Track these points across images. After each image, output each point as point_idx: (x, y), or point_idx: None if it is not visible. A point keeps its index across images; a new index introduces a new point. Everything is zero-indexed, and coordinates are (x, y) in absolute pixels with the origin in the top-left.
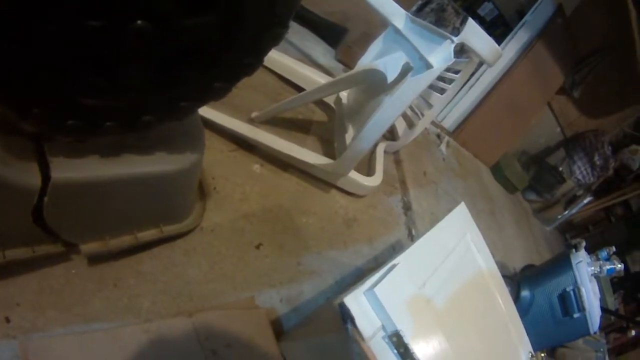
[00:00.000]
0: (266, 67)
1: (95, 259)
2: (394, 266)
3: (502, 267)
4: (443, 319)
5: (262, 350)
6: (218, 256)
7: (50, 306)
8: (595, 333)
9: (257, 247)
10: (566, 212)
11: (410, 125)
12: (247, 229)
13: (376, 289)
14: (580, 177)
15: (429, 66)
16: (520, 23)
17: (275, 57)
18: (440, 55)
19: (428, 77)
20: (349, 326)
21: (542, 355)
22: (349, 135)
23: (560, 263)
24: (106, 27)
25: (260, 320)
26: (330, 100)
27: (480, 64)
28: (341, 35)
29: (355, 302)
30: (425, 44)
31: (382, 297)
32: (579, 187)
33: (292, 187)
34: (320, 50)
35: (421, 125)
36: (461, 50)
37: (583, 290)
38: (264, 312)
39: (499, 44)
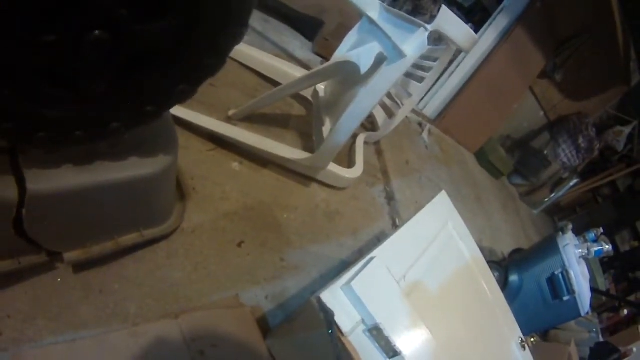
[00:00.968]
0: (242, 64)
1: (79, 267)
2: (371, 259)
3: (490, 252)
4: (427, 308)
5: (249, 349)
6: (201, 256)
7: (39, 316)
8: (587, 314)
9: (239, 245)
10: (553, 195)
11: (390, 115)
12: (229, 228)
13: (353, 283)
14: (565, 159)
15: (402, 55)
16: (499, 8)
17: (251, 54)
18: (414, 44)
19: (402, 66)
20: (329, 321)
21: (532, 340)
22: (326, 128)
23: (548, 247)
24: (62, 40)
25: (246, 319)
26: (308, 93)
27: (459, 51)
28: (317, 28)
29: (333, 297)
30: (399, 32)
31: (360, 291)
32: (564, 170)
33: (272, 183)
34: (297, 44)
35: (401, 114)
36: (438, 38)
37: (572, 272)
38: (249, 310)
39: (477, 30)
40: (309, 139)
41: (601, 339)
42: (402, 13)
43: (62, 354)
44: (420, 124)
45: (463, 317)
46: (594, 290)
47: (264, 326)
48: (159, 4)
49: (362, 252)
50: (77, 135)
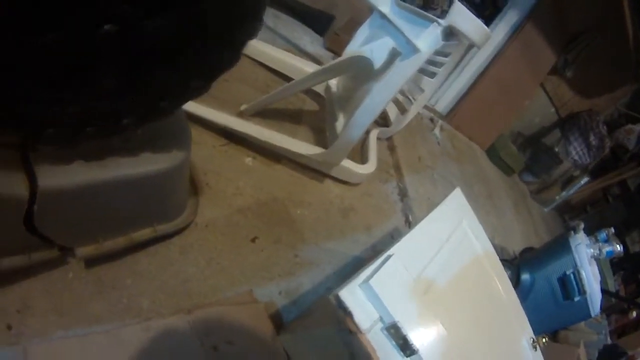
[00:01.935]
0: (254, 60)
1: (91, 262)
2: (388, 257)
3: (501, 250)
4: (442, 307)
5: (263, 345)
6: (214, 252)
7: (50, 311)
8: (596, 315)
9: (253, 240)
10: (564, 192)
11: (403, 110)
12: (242, 223)
13: (371, 281)
14: (576, 157)
15: (416, 50)
16: (510, 3)
17: (263, 49)
18: (427, 39)
19: (416, 61)
20: (347, 319)
21: (544, 340)
22: (339, 124)
23: (560, 246)
24: (72, 35)
25: (259, 314)
26: (320, 89)
27: (471, 46)
28: (328, 23)
29: (351, 295)
30: (412, 28)
31: (378, 289)
32: (575, 168)
33: (285, 178)
34: (308, 39)
35: (413, 110)
36: (450, 33)
37: (583, 273)
38: (262, 306)
39: (488, 25)
40: (322, 134)
41: (609, 341)
42: (414, 7)
43: (73, 348)
44: (432, 120)
45: (477, 316)
46: (604, 291)
47: (278, 322)
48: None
49: (375, 249)
50: (89, 131)
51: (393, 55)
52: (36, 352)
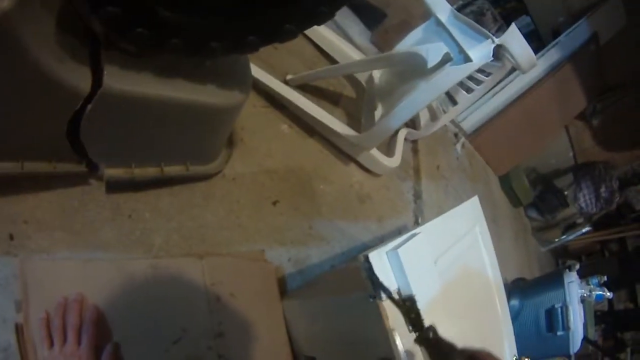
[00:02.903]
0: (306, 36)
1: (114, 187)
2: (414, 234)
3: None
4: (447, 298)
5: (265, 305)
6: (235, 205)
7: (59, 228)
8: (574, 354)
9: (274, 203)
10: (563, 236)
11: (434, 118)
12: (267, 185)
13: (400, 250)
14: (583, 205)
15: (467, 60)
16: (554, 42)
17: (317, 28)
18: (480, 52)
19: (466, 69)
20: (367, 282)
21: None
22: (378, 113)
23: (553, 279)
24: None
25: (269, 275)
26: (361, 78)
27: (511, 72)
28: (380, 19)
29: (379, 259)
30: (467, 39)
31: (404, 260)
32: (580, 215)
33: (315, 153)
34: (357, 29)
35: (444, 119)
36: (499, 54)
37: (571, 309)
38: (273, 267)
39: None
40: (356, 122)
41: None
42: (471, 21)
43: (75, 270)
44: (456, 135)
45: (473, 317)
46: (585, 337)
47: (282, 287)
48: None
49: (383, 240)
50: (174, 43)
51: (445, 60)
52: (33, 267)
